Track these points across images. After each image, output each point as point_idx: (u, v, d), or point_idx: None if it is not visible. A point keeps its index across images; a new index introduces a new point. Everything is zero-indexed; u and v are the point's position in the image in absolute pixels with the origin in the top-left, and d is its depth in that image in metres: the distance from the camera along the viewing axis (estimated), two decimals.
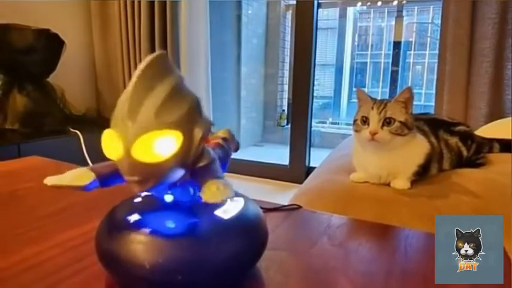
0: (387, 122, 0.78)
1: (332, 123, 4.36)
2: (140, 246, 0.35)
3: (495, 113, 1.51)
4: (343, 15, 4.21)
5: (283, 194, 2.03)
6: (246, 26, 3.31)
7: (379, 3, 4.49)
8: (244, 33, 3.28)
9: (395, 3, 3.78)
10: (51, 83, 1.85)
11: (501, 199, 0.74)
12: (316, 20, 2.09)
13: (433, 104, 1.72)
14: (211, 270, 0.35)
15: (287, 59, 3.57)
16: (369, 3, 4.52)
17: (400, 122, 0.77)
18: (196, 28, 2.05)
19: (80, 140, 1.76)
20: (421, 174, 0.84)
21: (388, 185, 0.85)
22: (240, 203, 0.42)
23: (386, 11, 4.48)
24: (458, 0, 1.53)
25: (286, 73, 3.60)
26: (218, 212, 0.39)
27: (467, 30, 1.52)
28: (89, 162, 1.74)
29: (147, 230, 0.36)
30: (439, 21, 1.65)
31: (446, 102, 1.61)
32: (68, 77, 2.07)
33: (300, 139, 2.16)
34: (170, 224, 0.37)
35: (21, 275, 0.40)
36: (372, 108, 0.79)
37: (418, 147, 0.84)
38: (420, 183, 0.84)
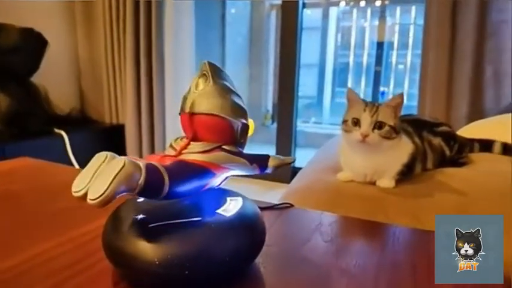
0: (378, 125, 0.80)
1: (315, 122, 4.39)
2: (149, 243, 0.36)
3: (476, 114, 1.57)
4: (326, 15, 4.25)
5: (269, 194, 2.05)
6: (230, 25, 3.31)
7: (362, 4, 4.56)
8: (229, 32, 3.28)
9: (378, 3, 3.85)
10: (34, 82, 1.82)
11: (484, 197, 0.78)
12: (301, 20, 2.12)
13: (414, 103, 1.77)
14: (216, 265, 0.37)
15: (271, 59, 3.60)
16: (352, 3, 4.58)
17: (390, 126, 0.80)
18: (182, 27, 2.05)
19: (64, 140, 1.74)
20: (406, 174, 0.88)
21: (374, 183, 0.88)
22: (239, 202, 0.43)
23: (369, 11, 4.56)
24: (440, 2, 1.58)
25: (271, 73, 3.62)
26: (220, 211, 0.41)
27: (448, 32, 1.58)
28: (74, 162, 1.73)
29: (155, 228, 0.38)
30: (422, 22, 1.70)
31: (429, 103, 1.66)
32: (52, 77, 2.04)
33: (285, 139, 2.19)
34: (177, 222, 0.38)
35: (27, 273, 0.41)
36: (364, 110, 0.81)
37: (402, 148, 0.87)
38: (405, 182, 0.87)
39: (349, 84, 4.95)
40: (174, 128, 2.01)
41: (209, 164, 0.39)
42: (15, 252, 0.45)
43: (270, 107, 3.73)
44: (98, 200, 0.30)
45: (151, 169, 0.34)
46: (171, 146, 0.42)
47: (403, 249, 0.50)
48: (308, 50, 4.20)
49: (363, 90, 4.47)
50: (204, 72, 0.41)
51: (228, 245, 0.38)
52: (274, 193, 2.01)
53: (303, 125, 3.96)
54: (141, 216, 0.40)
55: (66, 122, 1.91)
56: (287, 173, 2.17)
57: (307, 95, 4.39)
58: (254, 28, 3.63)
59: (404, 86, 4.11)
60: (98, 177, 0.32)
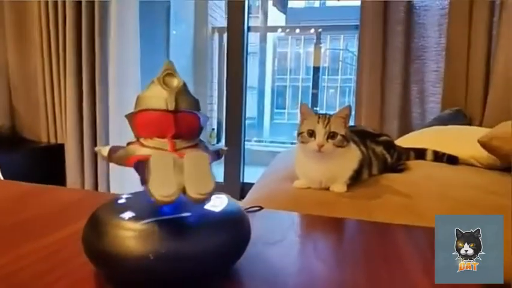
0: (331, 135, 0.87)
1: (257, 141, 4.56)
2: (142, 239, 0.36)
3: (405, 128, 1.74)
4: (263, 40, 4.46)
5: None
6: (174, 46, 3.33)
7: (297, 31, 4.88)
8: (172, 53, 3.29)
9: (312, 31, 4.14)
10: None
11: (424, 197, 0.88)
12: (247, 43, 2.21)
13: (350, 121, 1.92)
14: (210, 257, 0.38)
15: (215, 79, 3.66)
16: (287, 30, 4.88)
17: (342, 135, 0.87)
18: (127, 45, 2.00)
19: None
20: (355, 179, 0.95)
21: (328, 189, 0.94)
22: (225, 199, 0.45)
23: (303, 38, 4.90)
24: (372, 31, 1.76)
25: (215, 93, 3.67)
26: (208, 206, 0.42)
27: (380, 56, 1.76)
28: None
29: (146, 225, 0.38)
30: (354, 49, 1.88)
31: (364, 120, 1.82)
32: None
33: (235, 156, 2.23)
34: (168, 218, 0.39)
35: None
36: (318, 122, 0.87)
37: (352, 155, 0.95)
38: (355, 187, 0.94)
39: (287, 106, 5.23)
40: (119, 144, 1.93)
41: None
42: None
43: (215, 126, 3.76)
44: (209, 193, 0.32)
45: None
46: (142, 145, 0.41)
47: (368, 238, 0.55)
48: (248, 73, 4.36)
49: (299, 112, 4.70)
50: (170, 71, 0.42)
51: (220, 237, 0.39)
52: None
53: (246, 144, 4.06)
54: (128, 215, 0.40)
55: None
56: (236, 188, 2.20)
57: (248, 116, 4.53)
58: (197, 49, 3.69)
59: (336, 106, 4.41)
60: (187, 175, 0.32)
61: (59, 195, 0.72)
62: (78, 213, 0.54)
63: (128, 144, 0.43)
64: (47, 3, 1.97)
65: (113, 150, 0.44)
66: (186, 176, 0.32)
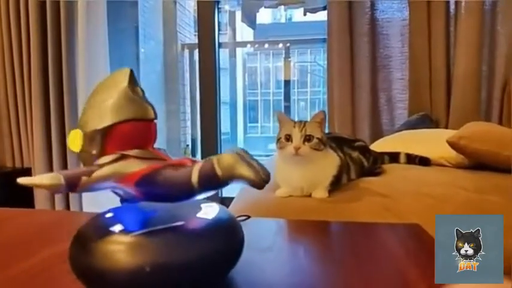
0: (307, 138, 0.89)
1: None
2: (136, 252, 0.36)
3: (376, 135, 1.80)
4: (232, 56, 4.51)
5: None
6: (144, 63, 3.30)
7: (266, 46, 4.98)
8: (143, 70, 3.26)
9: (280, 45, 4.23)
10: None
11: (402, 196, 0.91)
12: (219, 59, 2.23)
13: None
14: (208, 264, 0.38)
15: (188, 96, 3.64)
16: (256, 45, 4.97)
17: (318, 138, 0.89)
18: (96, 65, 1.96)
19: None
20: (335, 184, 0.97)
21: (310, 196, 0.95)
22: (216, 207, 0.45)
23: (271, 53, 5.01)
24: (339, 43, 1.83)
25: (188, 109, 3.65)
26: (200, 215, 0.42)
27: (348, 67, 1.83)
28: None
29: (139, 237, 0.37)
30: (322, 61, 1.94)
31: (337, 127, 1.87)
32: None
33: None
34: (162, 228, 0.38)
35: None
36: (294, 127, 0.90)
37: (331, 161, 0.97)
38: (336, 192, 0.96)
39: (259, 120, 5.29)
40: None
41: None
42: None
43: (189, 142, 3.72)
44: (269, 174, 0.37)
45: None
46: (137, 158, 0.39)
47: (354, 238, 0.57)
48: (220, 89, 4.39)
49: (272, 125, 4.79)
50: (132, 79, 0.41)
51: (216, 244, 0.39)
52: None
53: None
54: (118, 228, 0.39)
55: None
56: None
57: (222, 131, 4.53)
58: (168, 66, 3.67)
59: (308, 118, 4.50)
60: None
61: (36, 218, 0.69)
62: (58, 233, 0.52)
63: (104, 164, 0.37)
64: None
65: (76, 175, 0.36)
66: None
